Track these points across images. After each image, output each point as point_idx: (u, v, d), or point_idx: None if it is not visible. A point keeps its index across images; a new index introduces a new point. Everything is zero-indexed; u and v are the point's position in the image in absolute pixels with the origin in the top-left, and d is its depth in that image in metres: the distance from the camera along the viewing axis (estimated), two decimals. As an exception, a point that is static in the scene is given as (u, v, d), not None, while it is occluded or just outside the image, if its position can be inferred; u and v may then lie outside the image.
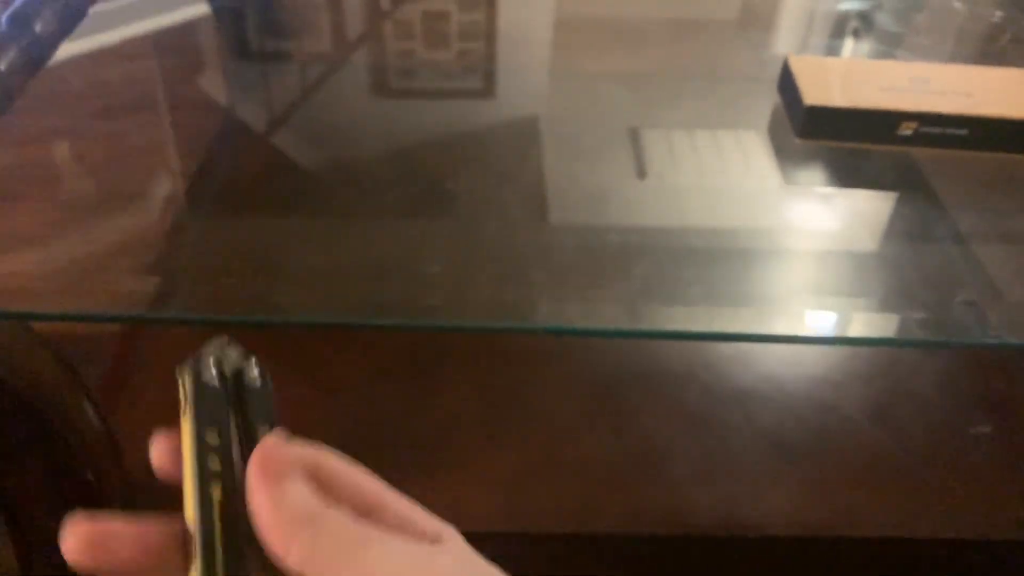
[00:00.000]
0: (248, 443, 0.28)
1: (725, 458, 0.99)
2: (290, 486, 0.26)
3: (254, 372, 0.30)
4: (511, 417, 1.02)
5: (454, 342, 1.08)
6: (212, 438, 0.28)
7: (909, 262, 0.70)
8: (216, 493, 0.27)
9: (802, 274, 0.70)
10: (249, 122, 0.86)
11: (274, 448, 0.27)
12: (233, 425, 0.29)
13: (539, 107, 0.88)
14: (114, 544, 0.26)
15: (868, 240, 0.73)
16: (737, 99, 0.90)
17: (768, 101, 0.84)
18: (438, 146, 0.79)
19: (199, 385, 0.29)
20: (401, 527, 0.27)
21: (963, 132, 0.76)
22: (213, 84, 0.94)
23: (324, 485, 0.26)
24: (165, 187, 0.78)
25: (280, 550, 0.25)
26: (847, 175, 0.80)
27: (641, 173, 0.77)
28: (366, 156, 0.80)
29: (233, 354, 0.31)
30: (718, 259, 0.69)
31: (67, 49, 0.85)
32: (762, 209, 0.76)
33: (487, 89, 0.90)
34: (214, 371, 0.30)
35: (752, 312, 0.65)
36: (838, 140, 0.78)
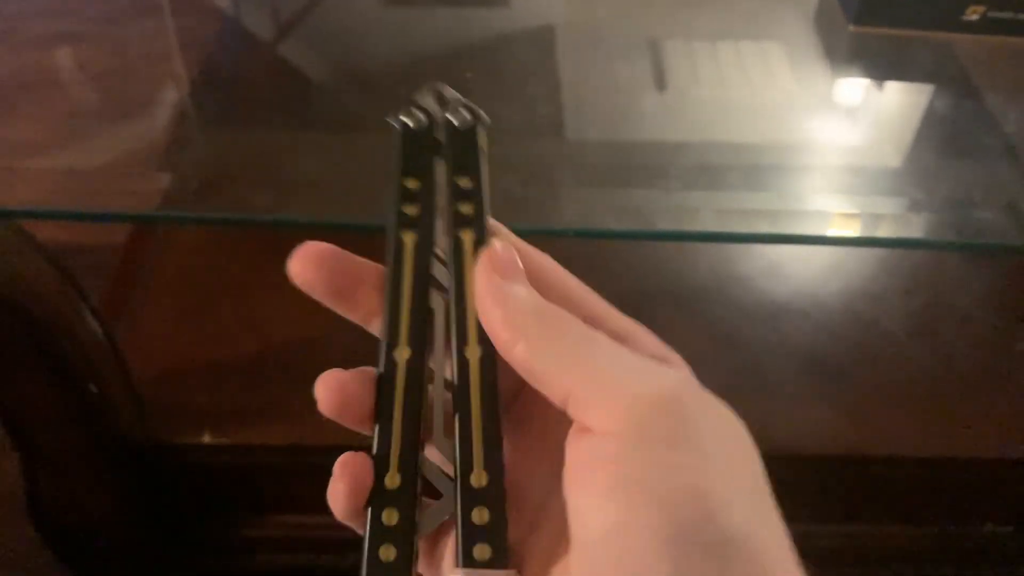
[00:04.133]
0: (452, 194, 0.28)
1: (757, 375, 0.94)
2: (520, 285, 0.26)
3: (467, 119, 0.29)
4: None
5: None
6: (412, 184, 0.28)
7: (954, 166, 0.65)
8: (409, 239, 0.28)
9: (844, 176, 0.65)
10: (255, 28, 0.81)
11: (504, 251, 0.27)
12: (439, 173, 0.29)
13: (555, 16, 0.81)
14: (334, 267, 0.27)
15: (914, 143, 0.67)
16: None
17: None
18: (449, 56, 0.75)
19: (406, 129, 0.29)
20: (626, 341, 0.26)
21: (1036, 17, 0.68)
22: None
23: (548, 289, 0.26)
24: (170, 93, 0.74)
25: (509, 344, 0.25)
26: (902, 69, 0.73)
27: (678, 71, 0.71)
28: (374, 65, 0.75)
29: (448, 99, 0.30)
30: (754, 159, 0.64)
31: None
32: (805, 105, 0.70)
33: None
34: (423, 116, 0.29)
35: (785, 214, 0.60)
36: (896, 27, 0.71)
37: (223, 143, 0.69)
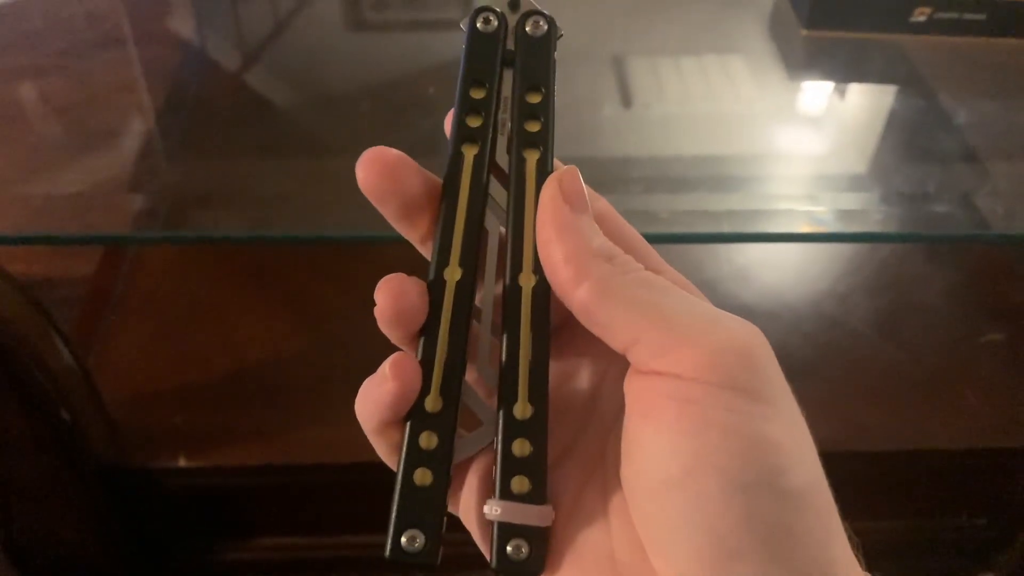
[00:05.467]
0: (519, 109, 0.27)
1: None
2: (588, 221, 0.25)
3: (542, 27, 0.27)
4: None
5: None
6: (477, 93, 0.27)
7: (910, 163, 0.66)
8: (470, 153, 0.26)
9: (805, 173, 0.66)
10: (219, 56, 0.81)
11: (575, 178, 0.25)
12: (506, 83, 0.27)
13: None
14: (403, 174, 0.25)
15: (871, 142, 0.68)
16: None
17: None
18: (413, 76, 0.75)
19: (473, 34, 0.27)
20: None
21: (981, 17, 0.70)
22: (182, 20, 0.88)
23: (609, 235, 0.25)
24: (136, 122, 0.74)
25: (570, 283, 0.23)
26: (856, 70, 0.75)
27: (638, 84, 0.72)
28: (337, 87, 0.76)
29: (522, 4, 0.28)
30: (717, 160, 0.65)
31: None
32: (764, 110, 0.71)
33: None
34: (495, 20, 0.27)
35: (750, 214, 0.61)
36: (847, 30, 0.73)
37: (190, 168, 0.69)
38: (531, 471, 0.24)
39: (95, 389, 0.77)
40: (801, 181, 0.65)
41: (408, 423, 0.24)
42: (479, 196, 0.26)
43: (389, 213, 0.26)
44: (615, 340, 0.23)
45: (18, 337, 0.72)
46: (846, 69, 0.75)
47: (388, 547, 0.24)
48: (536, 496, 0.24)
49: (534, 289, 0.25)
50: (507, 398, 0.25)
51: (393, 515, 0.24)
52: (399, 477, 0.24)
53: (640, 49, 0.75)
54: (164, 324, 0.88)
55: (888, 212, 0.63)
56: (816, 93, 0.74)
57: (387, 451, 0.25)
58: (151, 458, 0.79)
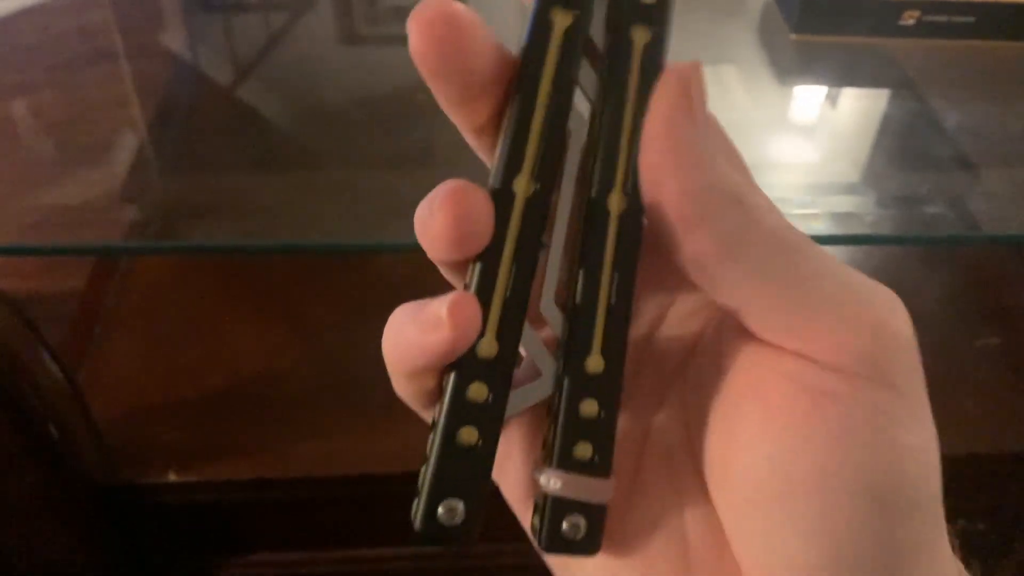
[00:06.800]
0: (611, 29, 0.20)
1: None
2: (714, 142, 0.19)
3: None
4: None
5: (436, 283, 1.03)
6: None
7: (901, 165, 0.66)
8: (561, 20, 0.19)
9: (795, 176, 0.66)
10: (211, 70, 0.82)
11: (701, 80, 0.18)
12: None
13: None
14: (471, 41, 0.18)
15: (862, 145, 0.68)
16: None
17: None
18: (406, 92, 0.75)
19: None
20: None
21: (969, 19, 0.71)
22: (173, 34, 0.88)
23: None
24: (127, 136, 0.74)
25: (688, 223, 0.18)
26: (845, 73, 0.75)
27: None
28: (330, 102, 0.76)
29: None
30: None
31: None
32: (755, 115, 0.71)
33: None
34: None
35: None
36: (836, 34, 0.73)
37: (182, 181, 0.69)
38: (598, 437, 0.20)
39: (85, 405, 0.76)
40: (792, 185, 0.64)
41: (454, 371, 0.20)
42: (566, 83, 0.20)
43: (445, 91, 0.19)
44: (730, 299, 0.19)
45: (6, 353, 0.72)
46: (835, 73, 0.75)
47: (420, 518, 0.20)
48: (601, 467, 0.20)
49: (623, 215, 0.20)
50: (577, 348, 0.20)
51: (428, 480, 0.20)
52: (439, 435, 0.20)
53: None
54: (154, 339, 0.88)
55: (880, 215, 0.63)
56: (806, 97, 0.74)
57: (415, 396, 0.21)
58: (142, 474, 0.78)
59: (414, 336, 0.19)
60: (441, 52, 0.18)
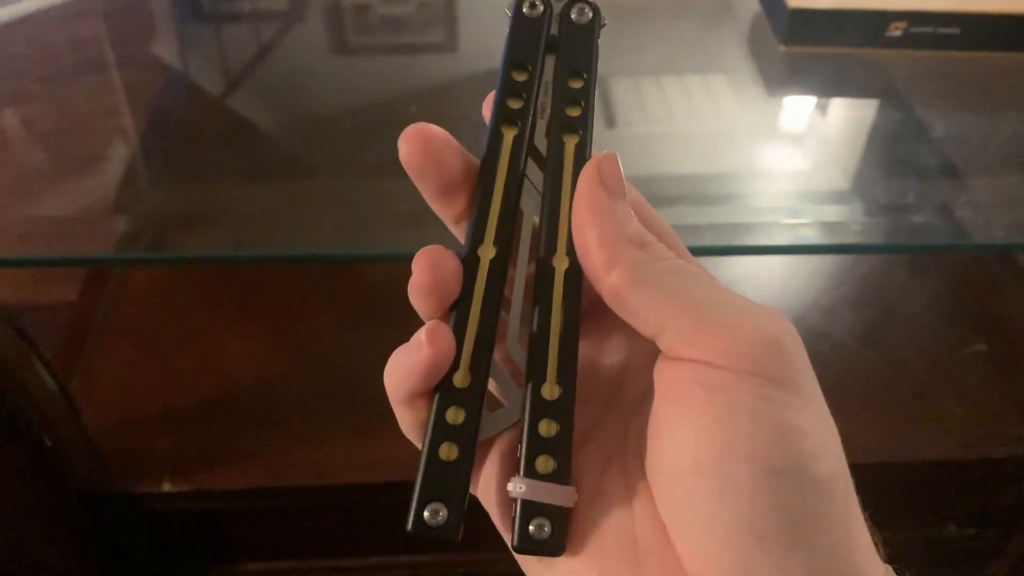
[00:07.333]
0: (560, 94, 0.27)
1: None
2: (624, 208, 0.25)
3: (587, 14, 0.27)
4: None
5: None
6: (519, 76, 0.27)
7: (889, 174, 0.67)
8: (509, 134, 0.26)
9: (785, 186, 0.66)
10: (202, 80, 0.82)
11: (614, 164, 0.25)
12: (547, 67, 0.27)
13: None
14: (445, 152, 0.25)
15: (852, 155, 0.69)
16: (715, 9, 0.85)
17: (749, 9, 0.80)
18: (396, 98, 0.76)
19: (518, 18, 0.27)
20: None
21: (955, 31, 0.71)
22: (164, 44, 0.89)
23: (643, 223, 0.25)
24: (118, 147, 0.74)
25: (603, 267, 0.24)
26: (834, 84, 0.76)
27: (622, 104, 0.73)
28: (321, 112, 0.76)
29: None
30: (698, 177, 0.65)
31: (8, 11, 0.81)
32: (745, 126, 0.72)
33: (449, 43, 0.85)
34: (540, 4, 0.27)
35: (734, 227, 0.62)
36: (824, 45, 0.73)
37: (174, 191, 0.69)
38: (557, 451, 0.24)
39: (78, 414, 0.76)
40: (782, 194, 0.65)
41: (436, 397, 0.25)
42: (516, 177, 0.26)
43: (427, 189, 0.26)
44: (645, 326, 0.24)
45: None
46: (824, 84, 0.76)
47: (410, 520, 0.24)
48: (561, 476, 0.24)
49: (567, 271, 0.25)
50: (535, 378, 0.25)
51: (417, 488, 0.24)
52: (425, 451, 0.24)
53: (619, 68, 0.76)
54: (147, 348, 0.88)
55: (868, 223, 0.63)
56: (795, 108, 0.75)
57: (411, 424, 0.25)
58: (135, 483, 0.78)
59: (403, 361, 0.24)
60: (424, 160, 0.25)
